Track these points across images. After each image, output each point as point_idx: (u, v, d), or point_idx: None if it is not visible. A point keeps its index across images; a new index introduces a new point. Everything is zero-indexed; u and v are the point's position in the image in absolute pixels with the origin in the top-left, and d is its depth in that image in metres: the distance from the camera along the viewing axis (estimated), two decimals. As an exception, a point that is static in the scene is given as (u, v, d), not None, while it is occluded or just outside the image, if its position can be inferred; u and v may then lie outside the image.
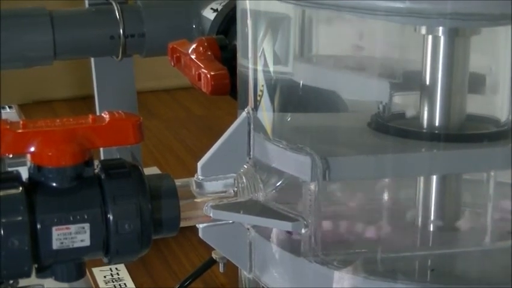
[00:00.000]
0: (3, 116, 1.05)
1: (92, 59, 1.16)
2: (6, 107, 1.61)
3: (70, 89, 1.68)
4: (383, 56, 0.65)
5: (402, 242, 0.64)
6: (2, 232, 0.56)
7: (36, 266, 0.59)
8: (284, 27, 0.66)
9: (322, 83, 0.67)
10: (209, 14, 0.96)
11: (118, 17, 0.94)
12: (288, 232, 0.62)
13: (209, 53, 0.83)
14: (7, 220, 0.56)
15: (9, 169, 0.63)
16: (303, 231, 0.59)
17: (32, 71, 1.18)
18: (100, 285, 0.93)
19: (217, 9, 0.95)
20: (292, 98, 0.66)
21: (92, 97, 1.21)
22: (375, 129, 0.65)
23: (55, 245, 0.57)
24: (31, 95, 1.66)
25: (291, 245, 0.62)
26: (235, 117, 0.65)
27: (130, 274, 0.95)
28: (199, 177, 0.63)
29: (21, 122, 0.58)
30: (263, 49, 0.65)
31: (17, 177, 0.58)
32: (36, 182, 0.58)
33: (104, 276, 0.95)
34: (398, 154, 0.61)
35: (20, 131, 0.57)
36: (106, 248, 0.59)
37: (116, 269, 0.96)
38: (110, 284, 0.93)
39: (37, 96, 1.67)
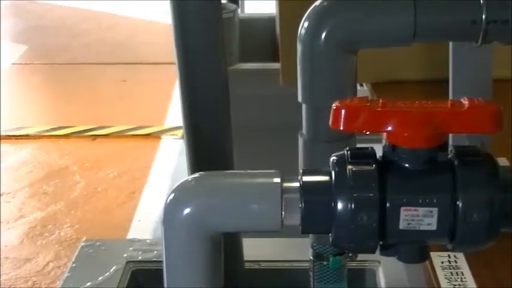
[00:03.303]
0: (357, 94, 1.08)
1: (450, 43, 1.15)
2: (358, 85, 1.66)
3: (423, 71, 1.68)
4: None
5: None
6: (353, 206, 0.57)
7: (381, 243, 0.60)
8: None
9: None
10: None
11: (481, 1, 0.92)
12: None
13: None
14: (359, 195, 0.58)
15: (359, 145, 0.64)
16: None
17: (387, 51, 1.19)
18: (437, 270, 0.93)
19: None
20: None
21: (444, 81, 1.20)
22: None
23: (402, 225, 0.58)
24: (384, 74, 1.69)
25: None
26: None
27: (468, 264, 0.93)
28: (557, 174, 0.60)
29: (380, 101, 0.59)
30: None
31: (372, 154, 0.59)
32: (389, 161, 0.59)
33: (442, 262, 0.94)
34: None
35: (379, 109, 0.58)
36: (451, 235, 0.58)
37: (455, 256, 0.94)
38: (447, 271, 0.93)
39: (389, 76, 1.69)
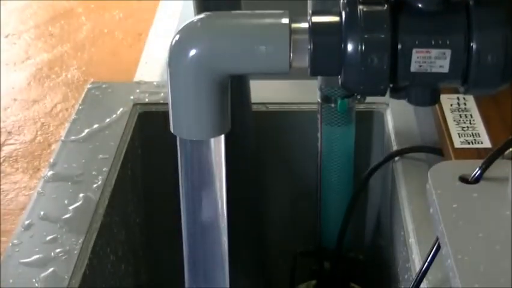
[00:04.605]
0: None
1: None
2: None
3: None
4: None
5: None
6: (364, 48, 0.56)
7: (391, 86, 0.59)
8: None
9: None
10: None
11: None
12: None
13: None
14: (369, 36, 0.56)
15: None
16: None
17: None
18: (445, 113, 0.92)
19: None
20: None
21: None
22: None
23: (413, 67, 0.57)
24: None
25: None
26: None
27: (477, 106, 0.92)
28: None
29: None
30: None
31: (384, -6, 0.57)
32: (401, 2, 0.57)
33: (451, 105, 0.93)
34: None
35: None
36: (464, 77, 0.57)
37: (464, 98, 0.93)
38: (456, 113, 0.92)
39: None
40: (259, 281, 1.14)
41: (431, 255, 0.67)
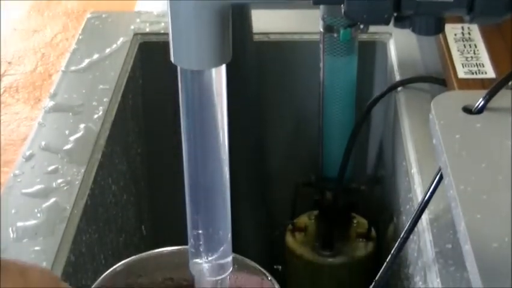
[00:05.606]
0: None
1: None
2: None
3: None
4: None
5: None
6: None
7: (395, 14, 0.58)
8: None
9: None
10: None
11: None
12: None
13: None
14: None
15: None
16: None
17: None
18: (449, 43, 0.91)
19: None
20: None
21: None
22: None
23: (418, -5, 0.56)
24: None
25: None
26: None
27: (482, 36, 0.91)
28: None
29: None
30: None
31: None
32: None
33: (455, 34, 0.92)
34: None
35: None
36: (469, 6, 0.56)
37: (469, 28, 0.92)
38: (460, 43, 0.91)
39: None
40: (260, 211, 1.15)
41: (433, 185, 0.67)
